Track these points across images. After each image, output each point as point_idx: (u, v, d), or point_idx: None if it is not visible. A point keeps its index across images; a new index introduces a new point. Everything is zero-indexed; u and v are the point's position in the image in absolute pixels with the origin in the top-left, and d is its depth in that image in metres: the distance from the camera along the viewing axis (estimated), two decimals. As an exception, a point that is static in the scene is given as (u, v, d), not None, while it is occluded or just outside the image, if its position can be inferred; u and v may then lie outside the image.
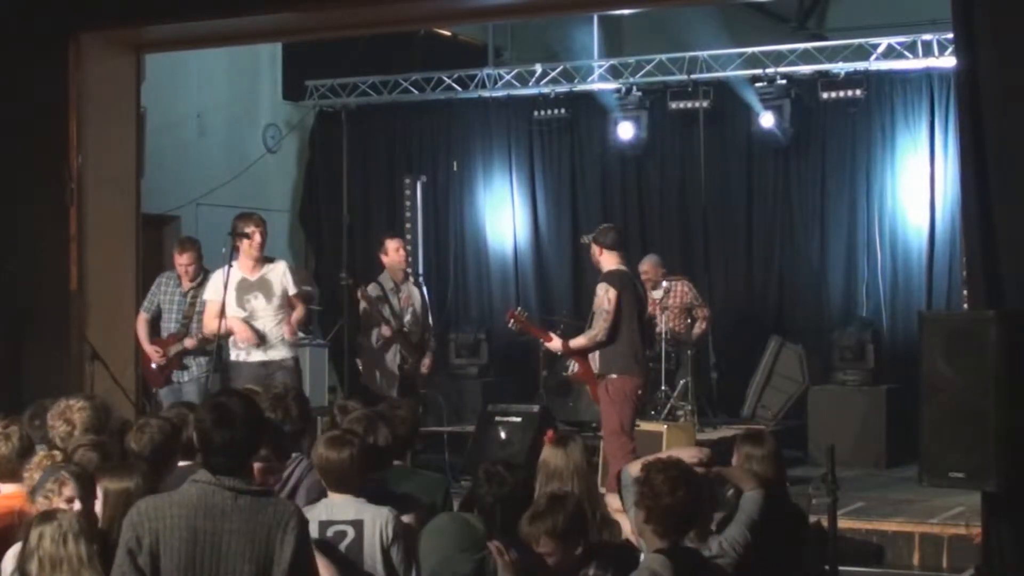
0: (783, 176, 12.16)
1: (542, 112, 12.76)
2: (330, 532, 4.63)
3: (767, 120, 11.66)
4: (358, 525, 4.62)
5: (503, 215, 13.19)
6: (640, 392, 8.06)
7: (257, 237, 8.21)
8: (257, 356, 8.22)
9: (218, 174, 12.47)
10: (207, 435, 3.77)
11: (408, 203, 12.29)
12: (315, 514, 4.58)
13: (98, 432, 5.30)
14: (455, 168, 13.27)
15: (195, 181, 12.20)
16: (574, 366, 8.31)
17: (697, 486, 4.23)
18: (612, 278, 8.01)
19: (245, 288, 8.27)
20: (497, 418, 9.52)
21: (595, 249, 8.14)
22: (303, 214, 13.87)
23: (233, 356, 8.32)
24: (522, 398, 11.13)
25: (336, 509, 4.65)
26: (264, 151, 13.32)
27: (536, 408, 9.69)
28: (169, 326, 8.77)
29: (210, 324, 8.26)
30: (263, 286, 8.30)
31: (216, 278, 8.30)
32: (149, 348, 8.71)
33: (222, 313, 8.15)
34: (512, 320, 8.71)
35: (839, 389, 10.70)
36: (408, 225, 12.24)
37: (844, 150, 11.78)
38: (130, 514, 3.79)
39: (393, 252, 9.36)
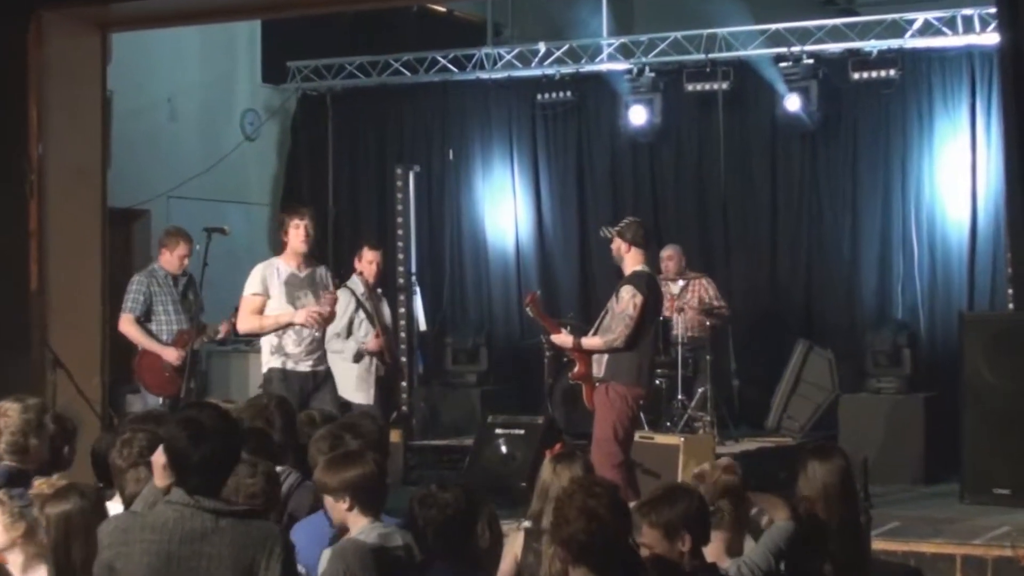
0: (810, 164, 12.15)
1: (546, 95, 12.77)
2: None
3: (792, 103, 11.66)
4: None
5: (504, 208, 13.20)
6: (640, 403, 8.11)
7: (308, 228, 8.16)
8: (305, 366, 8.01)
9: (191, 164, 12.48)
10: (183, 453, 3.77)
11: (400, 195, 12.26)
12: None
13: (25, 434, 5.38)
14: (451, 157, 13.27)
15: (166, 172, 12.22)
16: (575, 366, 8.24)
17: (613, 519, 3.96)
18: (639, 281, 7.93)
19: (295, 284, 8.07)
20: (498, 430, 9.49)
21: (619, 244, 8.04)
22: (284, 207, 13.86)
23: (276, 363, 7.98)
24: (525, 408, 11.14)
25: None
26: (242, 139, 13.33)
27: (541, 419, 9.67)
28: (172, 325, 8.84)
29: (247, 322, 8.05)
30: (312, 284, 8.14)
31: (257, 272, 8.08)
32: (167, 349, 8.72)
33: (261, 311, 7.97)
34: (530, 303, 8.41)
35: (873, 398, 10.67)
36: (400, 219, 12.20)
37: (877, 135, 11.77)
38: (100, 534, 3.86)
39: (367, 264, 9.33)
